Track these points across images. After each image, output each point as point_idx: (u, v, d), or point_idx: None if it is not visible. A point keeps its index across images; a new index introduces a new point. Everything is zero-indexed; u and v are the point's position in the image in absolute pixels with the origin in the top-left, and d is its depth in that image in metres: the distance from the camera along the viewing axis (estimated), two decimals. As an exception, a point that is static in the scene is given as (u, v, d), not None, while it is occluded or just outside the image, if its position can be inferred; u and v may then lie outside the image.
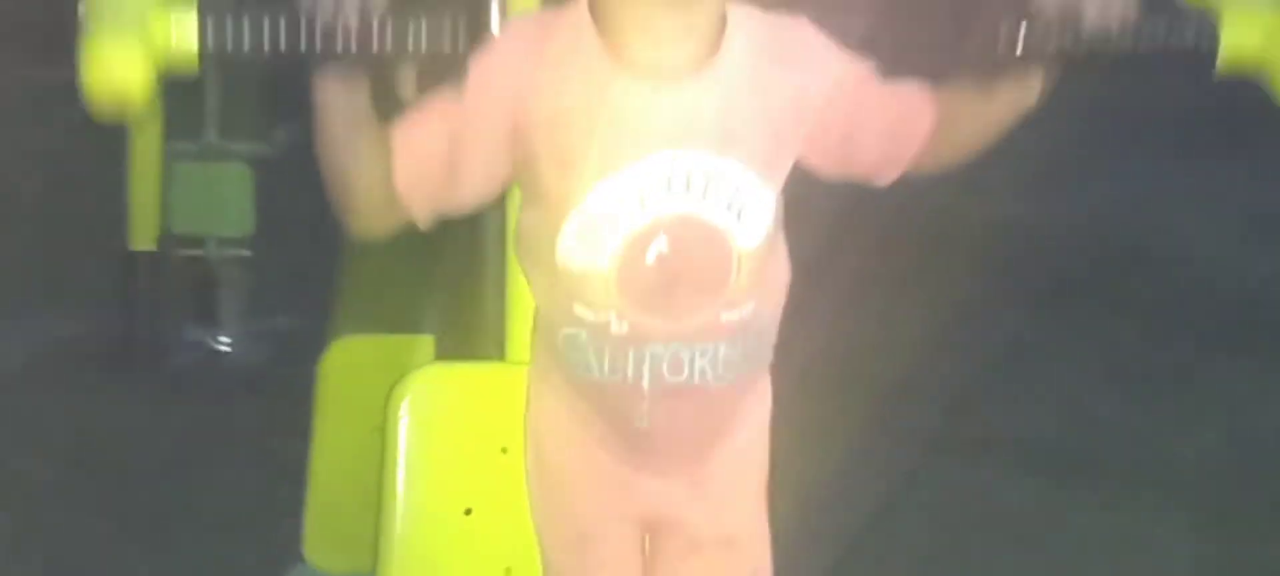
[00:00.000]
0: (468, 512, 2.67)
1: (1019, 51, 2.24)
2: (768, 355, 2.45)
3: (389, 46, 2.10)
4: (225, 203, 4.93)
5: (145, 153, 4.75)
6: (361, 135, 2.20)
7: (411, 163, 2.22)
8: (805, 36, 2.34)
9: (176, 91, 3.67)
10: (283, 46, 2.06)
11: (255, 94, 4.97)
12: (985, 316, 5.39)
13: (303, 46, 2.07)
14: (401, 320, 3.19)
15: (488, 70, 2.23)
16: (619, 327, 2.31)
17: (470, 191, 2.29)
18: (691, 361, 2.34)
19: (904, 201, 5.91)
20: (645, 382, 2.34)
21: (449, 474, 2.69)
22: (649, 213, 2.26)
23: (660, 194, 2.26)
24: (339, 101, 2.18)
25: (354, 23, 2.09)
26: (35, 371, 4.76)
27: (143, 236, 4.85)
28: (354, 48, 2.08)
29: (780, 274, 2.42)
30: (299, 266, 4.68)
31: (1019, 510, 4.43)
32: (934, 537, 4.26)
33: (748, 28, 2.29)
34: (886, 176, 2.40)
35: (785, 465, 4.29)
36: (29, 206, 5.82)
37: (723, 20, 2.27)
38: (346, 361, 3.25)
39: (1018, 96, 2.30)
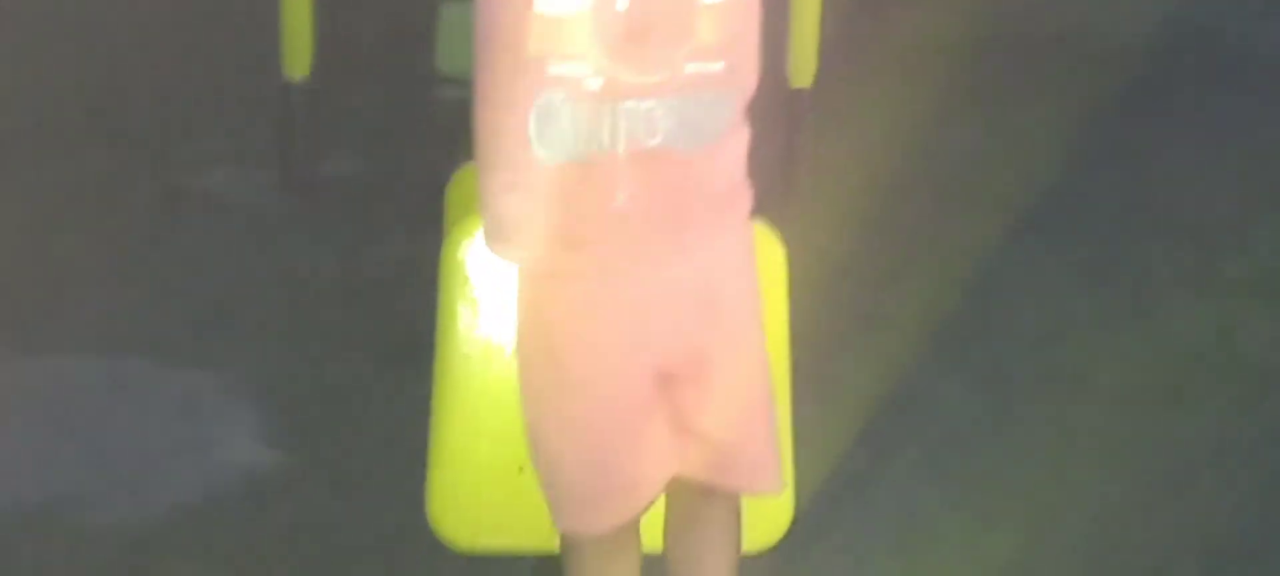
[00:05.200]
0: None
1: None
2: (727, 130, 2.57)
3: None
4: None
5: None
6: None
7: None
8: None
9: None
10: None
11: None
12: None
13: None
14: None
15: None
16: (594, 83, 2.46)
17: None
18: (662, 120, 2.49)
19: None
20: (620, 147, 2.48)
21: (498, 317, 2.98)
22: None
23: None
24: None
25: None
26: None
27: (296, 65, 4.80)
28: None
29: (753, 41, 2.56)
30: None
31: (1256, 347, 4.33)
32: (1169, 371, 4.18)
33: None
34: None
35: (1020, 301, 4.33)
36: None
37: None
38: (472, 187, 3.35)
39: None
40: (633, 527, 2.80)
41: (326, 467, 3.77)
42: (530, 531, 2.94)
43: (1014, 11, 6.01)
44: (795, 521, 3.21)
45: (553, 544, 2.90)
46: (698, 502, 2.80)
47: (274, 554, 3.52)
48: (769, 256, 3.03)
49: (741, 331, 2.68)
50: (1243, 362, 4.25)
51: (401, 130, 5.17)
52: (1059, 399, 4.06)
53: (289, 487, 3.70)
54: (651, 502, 2.75)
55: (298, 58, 4.80)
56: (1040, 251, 4.62)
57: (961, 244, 4.61)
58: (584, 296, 2.61)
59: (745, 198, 2.68)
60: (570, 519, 2.72)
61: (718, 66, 2.51)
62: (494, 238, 2.67)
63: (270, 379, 4.04)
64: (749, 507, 2.88)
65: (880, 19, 5.28)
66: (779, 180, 4.39)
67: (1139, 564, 3.57)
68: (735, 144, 2.61)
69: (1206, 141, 5.23)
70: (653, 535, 2.89)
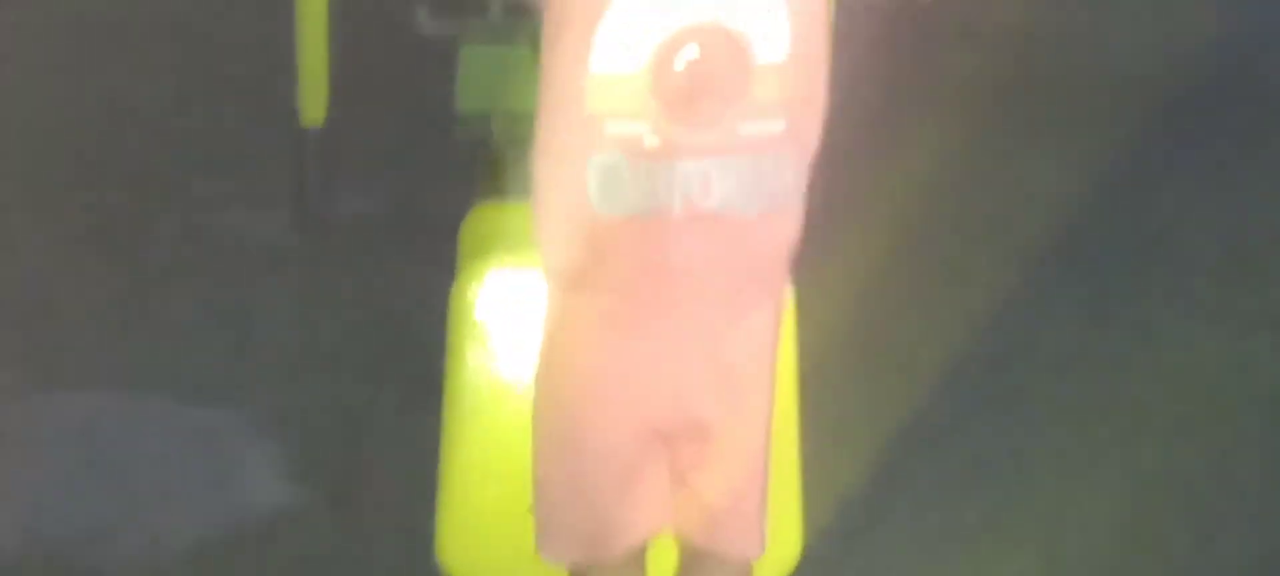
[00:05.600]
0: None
1: None
2: (791, 194, 2.55)
3: None
4: (512, 82, 5.01)
5: (312, 27, 4.73)
6: None
7: None
8: None
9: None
10: None
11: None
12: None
13: None
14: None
15: None
16: (651, 141, 2.45)
17: None
18: (721, 182, 2.47)
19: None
20: (677, 205, 2.47)
21: (507, 359, 3.03)
22: (680, 19, 2.43)
23: (689, 1, 2.43)
24: None
25: None
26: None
27: (312, 112, 4.82)
28: None
29: (817, 100, 2.53)
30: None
31: (1271, 380, 4.35)
32: (1182, 403, 4.19)
33: None
34: None
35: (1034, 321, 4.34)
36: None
37: None
38: (487, 224, 3.38)
39: None
40: (637, 568, 2.79)
41: (345, 503, 3.79)
42: (540, 572, 2.94)
43: (1029, 49, 6.01)
44: (808, 554, 3.22)
45: (561, 585, 2.90)
46: (702, 558, 2.79)
47: (292, 590, 3.54)
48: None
49: (751, 405, 2.67)
50: (1257, 395, 4.26)
51: (420, 168, 5.19)
52: (1073, 431, 4.07)
53: (308, 523, 3.73)
54: (637, 543, 2.74)
55: (313, 105, 4.85)
56: (1054, 283, 4.62)
57: (975, 276, 4.62)
58: (598, 351, 2.60)
59: (788, 272, 2.68)
60: (550, 547, 2.75)
61: (778, 127, 2.49)
62: (555, 283, 2.65)
63: (290, 415, 4.07)
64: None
65: (899, 57, 5.29)
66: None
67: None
68: (796, 213, 2.59)
69: (1221, 175, 5.23)
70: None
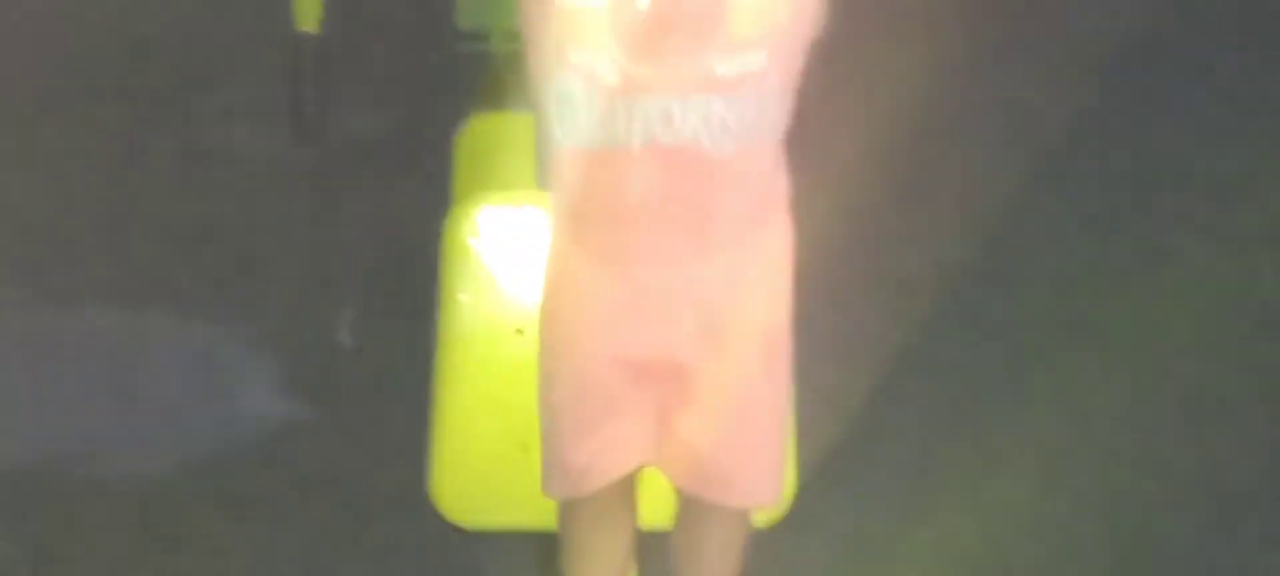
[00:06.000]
0: (519, 332, 2.81)
1: None
2: (772, 127, 2.45)
3: None
4: (511, -4, 4.98)
5: None
6: None
7: None
8: None
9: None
10: None
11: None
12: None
13: None
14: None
15: None
16: (610, 78, 2.36)
17: None
18: (684, 118, 2.37)
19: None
20: (636, 142, 2.38)
21: (502, 296, 2.99)
22: None
23: None
24: None
25: None
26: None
27: (306, 18, 4.64)
28: None
29: (801, 26, 2.42)
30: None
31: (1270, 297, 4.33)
32: (1185, 323, 4.19)
33: None
34: None
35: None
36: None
37: None
38: (482, 136, 3.36)
39: None
40: (624, 502, 2.76)
41: (344, 421, 3.79)
42: (532, 509, 2.90)
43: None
44: (804, 479, 3.19)
45: (553, 522, 2.89)
46: (694, 506, 2.76)
47: (290, 506, 3.55)
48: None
49: (740, 350, 2.59)
50: (1257, 313, 4.24)
51: (422, 86, 5.17)
52: (1073, 350, 4.05)
53: (306, 440, 3.73)
54: (613, 478, 2.71)
55: (308, 10, 4.81)
56: (1055, 203, 4.60)
57: (975, 196, 4.60)
58: (575, 276, 2.55)
59: (781, 199, 2.57)
60: (544, 482, 2.72)
61: (758, 61, 2.38)
62: (552, 205, 2.60)
63: (289, 332, 4.06)
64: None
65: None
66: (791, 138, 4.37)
67: (1153, 514, 3.59)
68: (774, 146, 2.49)
69: (1223, 92, 5.19)
70: (656, 511, 2.88)
